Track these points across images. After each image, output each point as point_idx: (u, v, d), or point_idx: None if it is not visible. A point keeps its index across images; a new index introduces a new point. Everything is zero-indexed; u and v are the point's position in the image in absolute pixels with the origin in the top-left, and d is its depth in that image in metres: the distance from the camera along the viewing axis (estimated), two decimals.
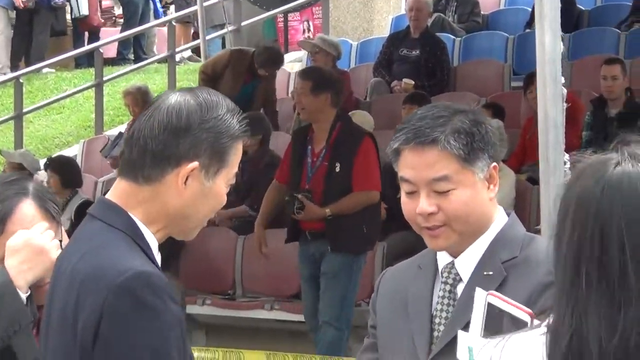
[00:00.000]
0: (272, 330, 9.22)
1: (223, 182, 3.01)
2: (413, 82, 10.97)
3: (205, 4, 13.67)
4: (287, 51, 14.90)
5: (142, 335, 2.89)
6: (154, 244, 3.01)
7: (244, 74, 12.02)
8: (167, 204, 2.99)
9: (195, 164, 2.95)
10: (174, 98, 3.03)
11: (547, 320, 2.36)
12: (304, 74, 8.74)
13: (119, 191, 3.03)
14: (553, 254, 2.42)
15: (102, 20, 17.91)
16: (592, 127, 9.73)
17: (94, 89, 13.76)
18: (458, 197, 3.12)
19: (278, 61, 11.70)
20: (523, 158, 9.71)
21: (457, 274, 3.16)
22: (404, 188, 3.17)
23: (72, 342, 2.94)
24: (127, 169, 3.01)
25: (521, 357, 2.35)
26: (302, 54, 12.94)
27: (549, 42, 4.41)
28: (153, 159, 2.96)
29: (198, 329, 9.55)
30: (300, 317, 8.66)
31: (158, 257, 3.03)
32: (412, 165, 3.15)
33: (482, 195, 3.15)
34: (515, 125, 10.22)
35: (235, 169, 3.04)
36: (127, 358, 2.93)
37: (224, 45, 15.32)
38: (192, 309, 9.40)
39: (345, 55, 12.86)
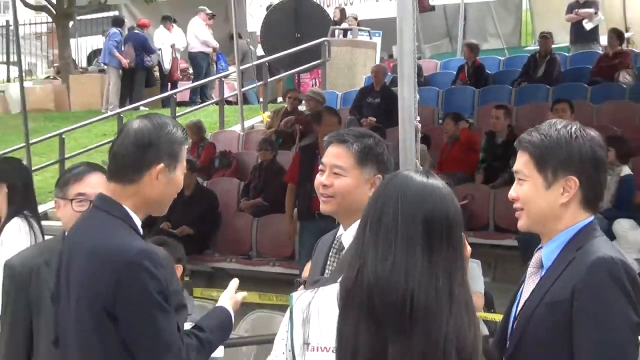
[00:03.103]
0: (274, 279, 8.92)
1: (180, 173, 3.04)
2: (375, 119, 11.17)
3: (241, 67, 14.22)
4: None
5: (146, 294, 2.84)
6: (139, 223, 2.99)
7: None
8: (146, 195, 3.00)
9: (161, 165, 2.98)
10: (137, 124, 3.05)
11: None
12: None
13: (112, 191, 3.03)
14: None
15: (180, 76, 18.67)
16: (486, 150, 9.91)
17: None
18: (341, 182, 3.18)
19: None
20: (441, 170, 9.45)
21: (341, 243, 3.20)
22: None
23: (88, 312, 2.89)
24: (116, 176, 3.03)
25: (326, 300, 2.44)
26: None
27: (407, 94, 4.18)
28: (132, 168, 2.98)
29: (230, 278, 8.36)
30: (292, 271, 8.52)
31: (140, 231, 2.98)
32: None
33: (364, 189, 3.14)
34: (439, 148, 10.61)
35: (185, 162, 3.06)
36: (138, 312, 2.85)
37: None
38: (225, 265, 9.55)
39: (333, 101, 13.26)
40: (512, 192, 2.64)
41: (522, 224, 2.64)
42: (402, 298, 2.25)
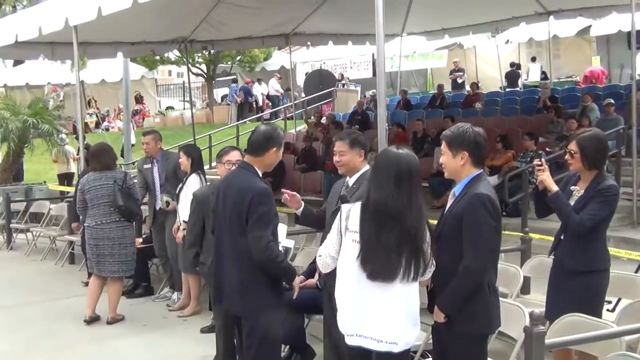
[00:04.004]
0: (312, 202, 6.71)
1: (281, 153, 2.84)
2: (358, 127, 10.12)
3: (295, 102, 13.61)
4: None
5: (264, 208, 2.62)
6: (260, 175, 2.76)
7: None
8: (266, 162, 2.79)
9: (274, 148, 2.78)
10: (263, 127, 2.85)
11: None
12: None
13: (248, 159, 2.81)
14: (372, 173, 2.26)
15: (265, 106, 17.38)
16: (412, 140, 9.34)
17: None
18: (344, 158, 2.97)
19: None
20: None
21: (348, 184, 3.02)
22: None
23: (237, 217, 2.70)
24: (251, 152, 2.80)
25: (356, 208, 2.31)
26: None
27: (381, 114, 4.04)
28: (260, 148, 2.77)
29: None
30: (320, 198, 7.61)
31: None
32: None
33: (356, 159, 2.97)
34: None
35: (283, 148, 2.82)
36: (256, 217, 2.61)
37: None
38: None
39: (339, 118, 12.04)
40: (440, 160, 2.50)
41: (446, 175, 2.48)
42: (387, 207, 2.20)
